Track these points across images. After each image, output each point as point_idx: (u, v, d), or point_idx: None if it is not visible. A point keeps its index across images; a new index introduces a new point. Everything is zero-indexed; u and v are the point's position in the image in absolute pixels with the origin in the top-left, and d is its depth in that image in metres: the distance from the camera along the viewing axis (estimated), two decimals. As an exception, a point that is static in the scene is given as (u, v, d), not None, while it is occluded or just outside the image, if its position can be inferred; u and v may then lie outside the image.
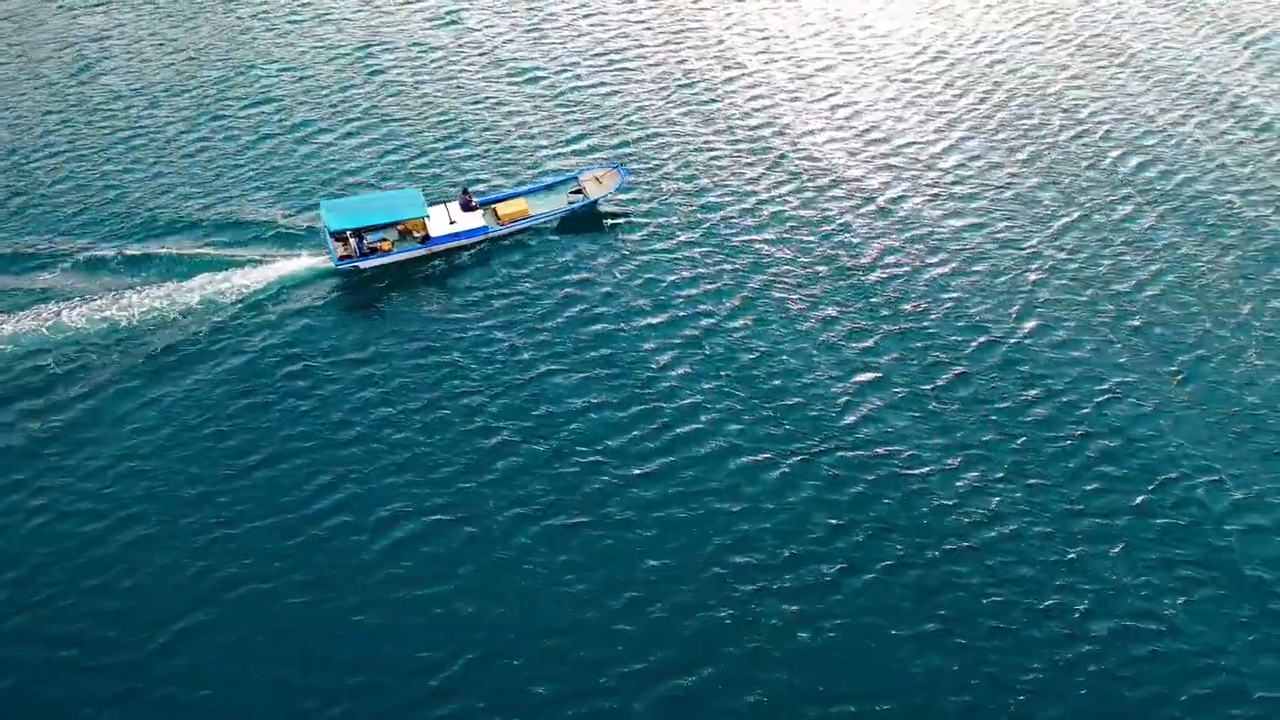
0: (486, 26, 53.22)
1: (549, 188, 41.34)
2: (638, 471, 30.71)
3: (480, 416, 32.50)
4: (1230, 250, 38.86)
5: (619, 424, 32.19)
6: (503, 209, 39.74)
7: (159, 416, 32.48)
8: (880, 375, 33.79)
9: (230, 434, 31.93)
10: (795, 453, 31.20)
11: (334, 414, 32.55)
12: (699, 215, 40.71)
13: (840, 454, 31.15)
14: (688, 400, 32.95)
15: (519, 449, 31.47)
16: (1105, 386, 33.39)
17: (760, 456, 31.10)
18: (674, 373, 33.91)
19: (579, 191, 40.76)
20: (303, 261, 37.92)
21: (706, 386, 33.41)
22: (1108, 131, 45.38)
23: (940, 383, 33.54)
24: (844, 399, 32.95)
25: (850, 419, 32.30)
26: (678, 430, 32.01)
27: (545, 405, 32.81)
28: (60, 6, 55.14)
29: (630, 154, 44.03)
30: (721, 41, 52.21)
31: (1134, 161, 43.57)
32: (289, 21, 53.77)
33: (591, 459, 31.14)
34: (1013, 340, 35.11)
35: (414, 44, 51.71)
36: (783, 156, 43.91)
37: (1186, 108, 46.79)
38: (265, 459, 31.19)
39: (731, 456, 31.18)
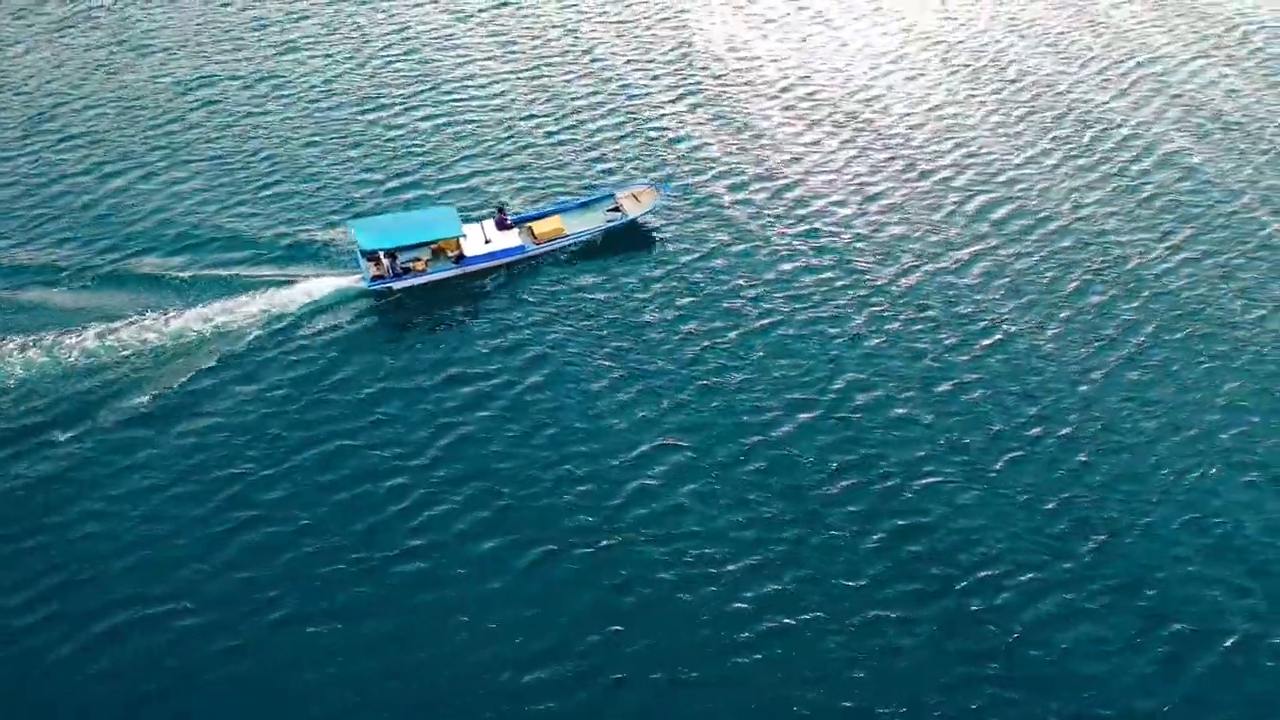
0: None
1: (585, 205, 39.99)
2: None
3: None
4: (1089, 289, 36.65)
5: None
6: (539, 227, 38.41)
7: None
8: (681, 445, 31.26)
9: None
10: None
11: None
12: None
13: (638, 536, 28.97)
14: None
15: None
16: (924, 467, 30.58)
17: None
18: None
19: (616, 209, 39.42)
20: (333, 282, 36.62)
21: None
22: (978, 171, 42.79)
23: (746, 456, 30.91)
24: (632, 471, 30.61)
25: (636, 492, 30.07)
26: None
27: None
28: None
29: (670, 171, 42.69)
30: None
31: (988, 203, 40.90)
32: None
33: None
34: (831, 406, 32.44)
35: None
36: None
37: (1064, 143, 44.30)
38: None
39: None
